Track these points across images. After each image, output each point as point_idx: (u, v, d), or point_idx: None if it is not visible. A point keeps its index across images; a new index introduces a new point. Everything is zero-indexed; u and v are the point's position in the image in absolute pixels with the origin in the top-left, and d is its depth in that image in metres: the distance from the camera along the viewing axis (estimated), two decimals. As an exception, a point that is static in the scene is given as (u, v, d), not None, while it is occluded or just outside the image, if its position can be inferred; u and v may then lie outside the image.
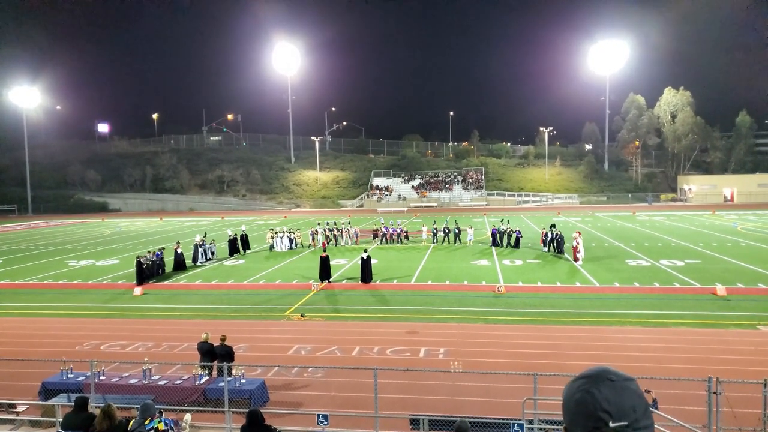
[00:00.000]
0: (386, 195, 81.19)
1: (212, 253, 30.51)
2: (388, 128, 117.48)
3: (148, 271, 24.69)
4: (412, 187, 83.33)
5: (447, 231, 35.31)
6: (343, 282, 23.37)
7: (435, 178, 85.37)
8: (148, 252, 26.72)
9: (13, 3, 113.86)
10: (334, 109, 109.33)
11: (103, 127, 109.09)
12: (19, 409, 10.52)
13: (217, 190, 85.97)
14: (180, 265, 27.33)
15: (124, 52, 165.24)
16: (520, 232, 33.24)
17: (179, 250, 27.77)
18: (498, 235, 33.24)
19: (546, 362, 12.86)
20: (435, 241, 35.10)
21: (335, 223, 38.27)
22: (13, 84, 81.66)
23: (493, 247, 32.51)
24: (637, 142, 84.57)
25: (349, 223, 38.70)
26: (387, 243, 35.27)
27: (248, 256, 31.35)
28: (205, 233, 32.73)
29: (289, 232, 35.19)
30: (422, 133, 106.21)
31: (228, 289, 22.77)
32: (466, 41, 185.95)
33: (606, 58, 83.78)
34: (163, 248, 27.95)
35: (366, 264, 23.07)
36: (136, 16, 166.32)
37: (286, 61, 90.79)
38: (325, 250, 24.40)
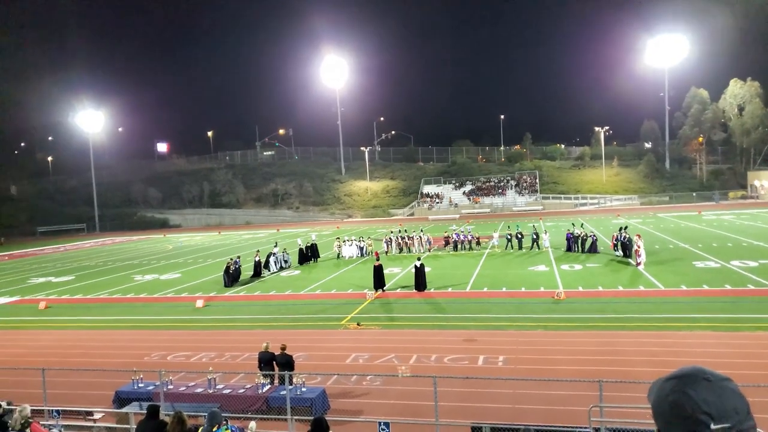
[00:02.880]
0: (437, 202, 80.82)
1: (285, 262, 31.78)
2: (438, 135, 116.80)
3: (234, 276, 27.01)
4: (464, 193, 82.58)
5: (520, 236, 34.19)
6: (397, 291, 23.37)
7: (487, 184, 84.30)
8: (231, 258, 28.63)
9: (80, 34, 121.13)
10: (382, 118, 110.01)
11: (162, 147, 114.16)
12: (96, 416, 11.06)
13: (272, 204, 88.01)
14: (257, 273, 29.11)
15: (179, 74, 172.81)
16: (595, 236, 32.04)
17: (257, 259, 29.66)
18: (573, 239, 31.70)
19: (610, 369, 12.40)
20: (510, 247, 33.74)
21: (406, 230, 38.32)
22: (80, 109, 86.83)
23: (558, 253, 31.21)
24: (700, 138, 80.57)
25: (422, 230, 38.65)
26: (458, 250, 34.72)
27: (305, 267, 31.93)
28: (276, 243, 34.27)
29: (359, 240, 35.73)
30: (472, 138, 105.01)
31: (286, 299, 23.21)
32: (516, 41, 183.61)
33: (664, 51, 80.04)
34: (239, 257, 29.94)
35: (419, 272, 22.98)
36: (190, 40, 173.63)
37: (334, 73, 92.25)
38: (378, 259, 24.50)
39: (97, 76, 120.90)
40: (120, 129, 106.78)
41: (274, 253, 31.29)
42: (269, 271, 30.22)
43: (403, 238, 36.21)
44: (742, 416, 1.34)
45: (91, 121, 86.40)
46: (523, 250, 32.89)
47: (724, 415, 1.33)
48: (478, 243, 35.57)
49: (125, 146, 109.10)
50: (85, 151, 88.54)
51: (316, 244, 34.87)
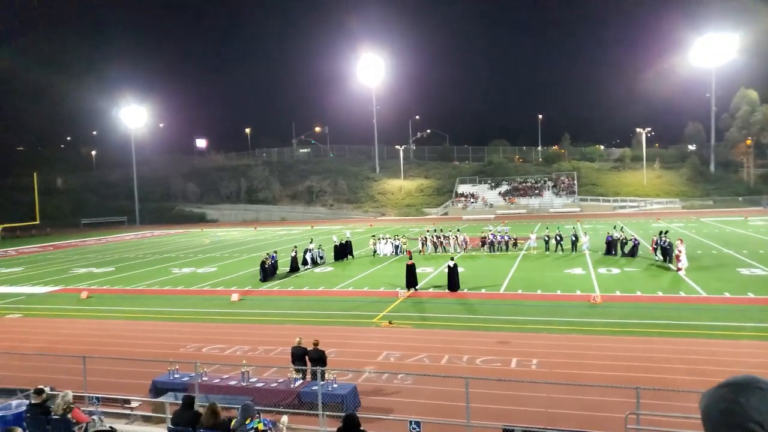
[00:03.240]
0: (472, 202, 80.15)
1: (321, 258, 32.28)
2: (474, 134, 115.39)
3: (269, 270, 27.63)
4: (500, 193, 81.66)
5: (560, 238, 33.55)
6: (430, 290, 23.27)
7: (524, 184, 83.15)
8: (267, 254, 29.27)
9: (125, 32, 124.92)
10: (417, 117, 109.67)
11: (201, 143, 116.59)
12: (133, 404, 11.37)
13: (307, 201, 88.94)
14: (294, 268, 29.62)
15: (219, 71, 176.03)
16: (637, 239, 31.07)
17: (294, 254, 30.28)
18: (613, 242, 30.84)
19: (647, 376, 12.04)
20: (547, 249, 33.23)
21: (441, 230, 38.13)
22: (123, 105, 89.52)
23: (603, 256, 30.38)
24: (749, 141, 77.44)
25: (458, 230, 38.38)
26: (494, 250, 34.30)
27: (339, 263, 32.16)
28: (311, 239, 34.84)
29: (394, 239, 35.94)
30: (509, 138, 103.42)
31: (318, 295, 23.40)
32: (554, 38, 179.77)
33: (711, 51, 76.90)
34: (276, 252, 30.75)
35: (453, 272, 22.83)
36: (230, 38, 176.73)
37: (370, 72, 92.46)
38: (410, 258, 24.43)
39: (140, 73, 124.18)
40: (161, 125, 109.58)
41: (310, 249, 31.84)
42: (306, 266, 30.62)
43: (438, 237, 36.05)
44: None
45: (133, 116, 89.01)
46: (562, 252, 32.30)
47: None
48: (515, 244, 35.09)
49: (165, 142, 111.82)
50: (127, 145, 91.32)
51: (350, 241, 35.12)
